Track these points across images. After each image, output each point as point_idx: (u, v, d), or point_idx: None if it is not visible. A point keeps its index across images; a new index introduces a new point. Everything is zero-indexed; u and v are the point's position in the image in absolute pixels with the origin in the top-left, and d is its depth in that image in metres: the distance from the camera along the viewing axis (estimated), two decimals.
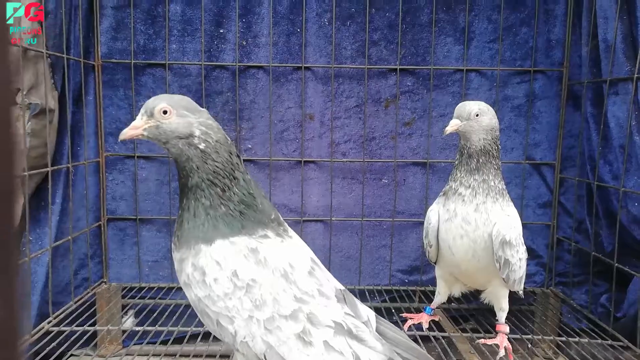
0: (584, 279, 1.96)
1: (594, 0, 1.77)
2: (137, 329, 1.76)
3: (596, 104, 1.85)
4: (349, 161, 2.06)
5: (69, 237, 1.78)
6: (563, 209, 2.06)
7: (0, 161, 0.29)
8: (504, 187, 1.55)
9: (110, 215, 2.02)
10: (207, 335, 1.69)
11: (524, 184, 2.07)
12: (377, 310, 1.90)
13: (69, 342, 1.60)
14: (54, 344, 1.58)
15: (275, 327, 0.98)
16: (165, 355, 1.72)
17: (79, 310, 1.79)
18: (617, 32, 1.70)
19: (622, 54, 1.71)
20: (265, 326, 0.98)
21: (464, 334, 1.72)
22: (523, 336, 1.69)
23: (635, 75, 1.62)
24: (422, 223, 1.67)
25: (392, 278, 2.11)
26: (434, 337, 1.70)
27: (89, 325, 1.71)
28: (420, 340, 1.63)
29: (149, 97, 1.07)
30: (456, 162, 1.56)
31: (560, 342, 1.76)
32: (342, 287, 1.13)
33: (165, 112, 1.03)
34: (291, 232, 1.15)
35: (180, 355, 1.75)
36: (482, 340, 1.62)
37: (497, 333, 1.62)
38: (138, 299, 1.97)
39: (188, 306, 1.80)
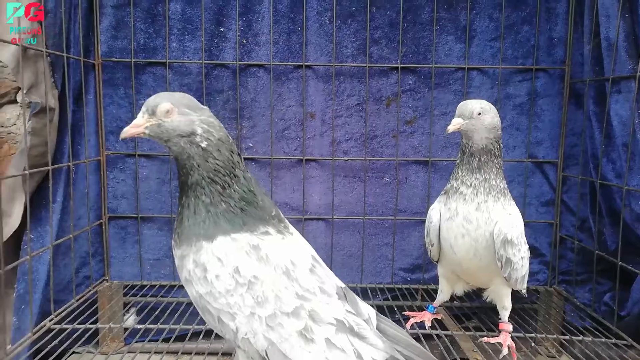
0: (587, 277, 1.95)
1: None
2: (139, 326, 1.76)
3: (599, 102, 1.84)
4: (350, 159, 2.05)
5: (70, 236, 1.78)
6: (566, 207, 2.05)
7: None
8: (506, 186, 1.54)
9: (111, 214, 2.02)
10: (209, 333, 1.69)
11: (527, 182, 2.06)
12: (380, 309, 1.90)
13: (70, 339, 1.60)
14: (55, 342, 1.59)
15: (277, 324, 0.98)
16: (168, 352, 1.72)
17: (80, 308, 1.79)
18: (619, 30, 1.69)
19: (624, 52, 1.70)
20: (267, 323, 0.98)
21: (467, 333, 1.71)
22: (526, 335, 1.68)
23: (638, 74, 1.61)
24: (424, 221, 1.67)
25: (394, 276, 2.11)
26: (436, 335, 1.70)
27: (90, 323, 1.71)
28: (423, 339, 1.63)
29: (150, 96, 1.06)
30: (458, 161, 1.56)
31: (563, 341, 1.75)
32: (343, 285, 1.12)
33: (167, 111, 1.03)
34: (292, 228, 1.15)
35: (183, 353, 1.76)
36: (485, 339, 1.61)
37: (500, 331, 1.61)
38: (140, 296, 1.97)
39: (190, 304, 1.80)
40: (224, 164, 1.05)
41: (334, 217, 2.07)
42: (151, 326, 1.74)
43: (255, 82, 2.00)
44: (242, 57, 1.98)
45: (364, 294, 2.01)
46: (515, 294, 1.66)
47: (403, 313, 1.81)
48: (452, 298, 1.83)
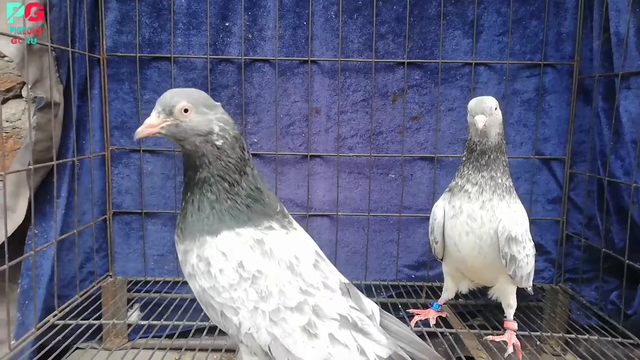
0: (593, 275, 1.93)
1: None
2: (143, 322, 1.76)
3: (607, 99, 1.82)
4: (355, 156, 2.04)
5: (75, 231, 1.78)
6: (573, 205, 2.03)
7: None
8: (512, 184, 1.53)
9: (115, 209, 2.02)
10: (212, 330, 1.68)
11: (533, 179, 2.04)
12: (384, 306, 1.89)
13: (74, 335, 1.60)
14: (59, 338, 1.58)
15: (281, 318, 0.97)
16: (171, 349, 1.72)
17: (84, 304, 1.79)
18: (629, 25, 1.67)
19: (634, 48, 1.68)
20: (271, 318, 0.97)
21: (472, 331, 1.70)
22: (531, 333, 1.67)
23: None
24: (429, 218, 1.66)
25: (398, 273, 2.09)
26: (441, 333, 1.69)
27: (94, 319, 1.71)
28: (427, 336, 1.62)
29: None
30: (463, 159, 1.54)
31: (569, 339, 1.73)
32: (346, 281, 1.12)
33: (185, 110, 1.00)
34: (295, 224, 1.14)
35: (186, 349, 1.75)
36: (490, 337, 1.60)
37: (505, 330, 1.60)
38: (144, 292, 1.97)
39: (194, 300, 1.80)
40: (235, 161, 1.04)
41: (339, 213, 2.06)
42: (155, 322, 1.74)
43: (261, 77, 1.99)
44: (247, 52, 1.97)
45: (368, 291, 1.99)
46: (521, 292, 1.65)
47: (407, 310, 1.80)
48: (457, 296, 1.82)
